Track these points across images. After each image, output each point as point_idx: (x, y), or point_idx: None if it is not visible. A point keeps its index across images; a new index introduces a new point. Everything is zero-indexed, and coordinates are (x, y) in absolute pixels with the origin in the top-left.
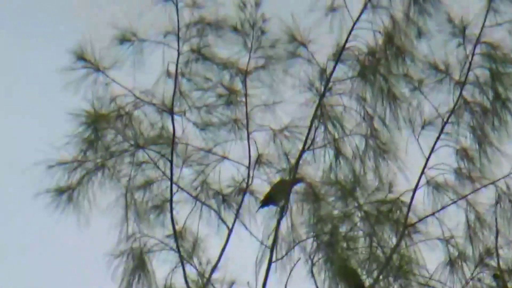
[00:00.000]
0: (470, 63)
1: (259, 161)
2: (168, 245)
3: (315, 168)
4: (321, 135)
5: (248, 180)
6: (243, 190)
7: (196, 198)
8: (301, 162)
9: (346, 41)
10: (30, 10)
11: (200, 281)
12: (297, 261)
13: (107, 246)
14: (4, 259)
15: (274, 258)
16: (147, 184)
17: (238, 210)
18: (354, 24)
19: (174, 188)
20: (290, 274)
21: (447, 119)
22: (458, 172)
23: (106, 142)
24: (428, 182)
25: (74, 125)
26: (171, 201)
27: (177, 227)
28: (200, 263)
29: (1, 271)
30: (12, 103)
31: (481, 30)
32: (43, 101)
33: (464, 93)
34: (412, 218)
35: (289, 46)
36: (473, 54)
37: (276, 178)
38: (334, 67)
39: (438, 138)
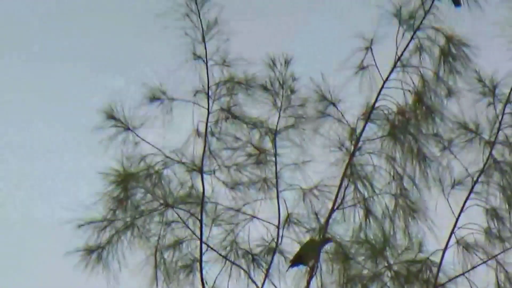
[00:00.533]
0: (500, 123)
1: (288, 220)
2: None
3: (344, 228)
4: (351, 194)
5: (277, 240)
6: (273, 249)
7: (225, 257)
8: (330, 222)
9: (376, 100)
10: (62, 68)
11: None
12: None
13: None
14: None
15: None
16: (177, 244)
17: (267, 270)
18: (384, 83)
19: (204, 247)
20: None
21: (477, 179)
22: (488, 231)
23: (136, 201)
24: (458, 242)
25: (103, 184)
26: (200, 260)
27: (206, 287)
28: None
29: None
30: (40, 162)
31: (511, 90)
32: (72, 160)
33: (494, 152)
34: (442, 278)
35: (319, 105)
36: (503, 114)
37: (306, 238)
38: (364, 126)
39: (467, 197)
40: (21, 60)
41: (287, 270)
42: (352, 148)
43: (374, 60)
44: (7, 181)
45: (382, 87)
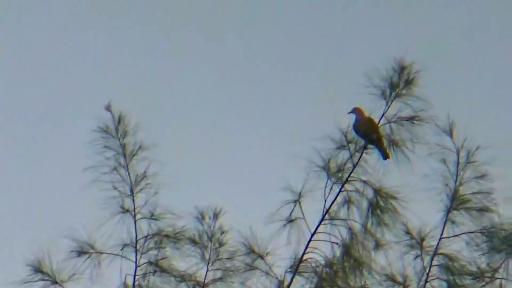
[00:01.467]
0: (428, 275)
1: None
2: None
3: None
4: None
5: None
6: None
7: None
8: None
9: (304, 252)
10: None
11: None
12: None
13: None
14: None
15: None
16: None
17: None
18: (312, 235)
19: None
20: None
21: None
22: None
23: None
24: None
25: None
26: None
27: None
28: None
29: None
30: None
31: (439, 242)
32: None
33: None
34: None
35: (247, 258)
36: (430, 266)
37: None
38: (292, 279)
39: None
40: None
41: None
42: None
43: (302, 212)
44: None
45: (310, 239)
